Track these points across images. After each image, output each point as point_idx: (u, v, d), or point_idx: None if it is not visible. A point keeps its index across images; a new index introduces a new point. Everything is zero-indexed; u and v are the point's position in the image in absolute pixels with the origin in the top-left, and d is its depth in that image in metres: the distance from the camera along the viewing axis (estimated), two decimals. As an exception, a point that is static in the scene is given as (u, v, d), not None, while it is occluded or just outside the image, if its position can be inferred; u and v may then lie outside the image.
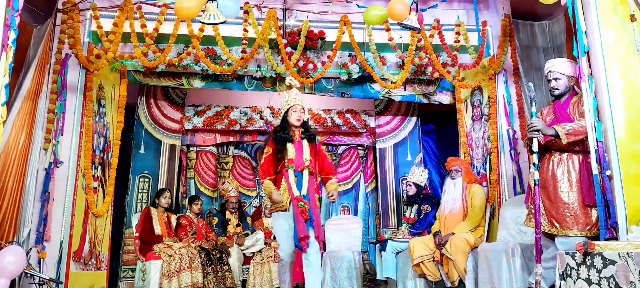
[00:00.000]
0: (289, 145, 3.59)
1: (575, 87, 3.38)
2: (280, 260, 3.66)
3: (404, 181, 6.28)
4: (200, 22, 3.67)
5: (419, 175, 5.36)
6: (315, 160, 3.68)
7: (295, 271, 5.62)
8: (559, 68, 3.34)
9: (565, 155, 3.26)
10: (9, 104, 3.80)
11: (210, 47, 5.04)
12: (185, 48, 5.03)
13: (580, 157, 3.20)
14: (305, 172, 3.60)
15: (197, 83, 5.44)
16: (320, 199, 3.72)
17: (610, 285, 1.85)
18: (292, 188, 3.51)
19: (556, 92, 3.36)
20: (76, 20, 4.54)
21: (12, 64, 2.75)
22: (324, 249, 5.22)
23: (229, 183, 6.24)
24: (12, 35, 2.72)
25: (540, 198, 3.24)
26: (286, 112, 3.72)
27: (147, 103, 6.30)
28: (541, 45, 4.91)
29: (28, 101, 4.09)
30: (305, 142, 3.67)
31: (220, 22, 3.57)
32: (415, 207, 5.31)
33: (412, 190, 5.34)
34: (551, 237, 3.24)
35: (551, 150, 3.33)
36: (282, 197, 3.53)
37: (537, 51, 4.92)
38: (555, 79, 3.34)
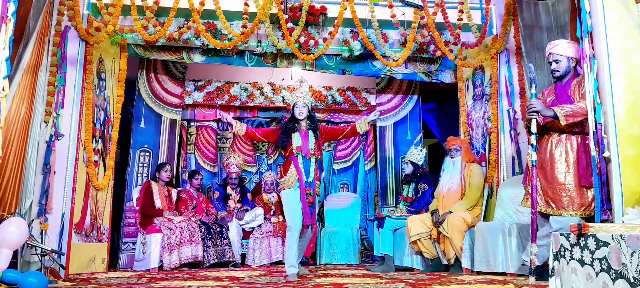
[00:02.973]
0: (295, 135, 4.06)
1: (577, 68, 3.37)
2: (289, 228, 3.99)
3: (403, 160, 6.32)
4: (201, -4, 3.64)
5: (417, 155, 5.39)
6: (320, 150, 4.14)
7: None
8: (559, 50, 3.32)
9: (563, 136, 3.27)
10: (10, 77, 3.79)
11: (210, 21, 5.00)
12: (186, 22, 5.00)
13: (579, 139, 3.22)
14: (312, 160, 4.05)
15: (198, 57, 5.42)
16: (321, 184, 4.22)
17: (603, 266, 1.88)
18: (302, 174, 3.98)
19: (557, 74, 3.36)
20: (75, -8, 4.49)
21: (12, 37, 2.74)
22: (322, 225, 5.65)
23: (234, 158, 6.25)
24: (12, 7, 2.70)
25: (538, 179, 3.27)
26: (293, 107, 4.15)
27: (147, 77, 6.28)
28: (545, 25, 4.85)
29: (28, 74, 4.07)
30: (311, 133, 4.11)
31: (221, -3, 3.54)
32: (413, 185, 5.35)
33: (408, 169, 5.38)
34: (546, 216, 3.28)
35: (550, 130, 3.33)
36: (289, 180, 4.01)
37: (541, 31, 4.87)
38: (556, 61, 3.34)
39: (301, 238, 4.08)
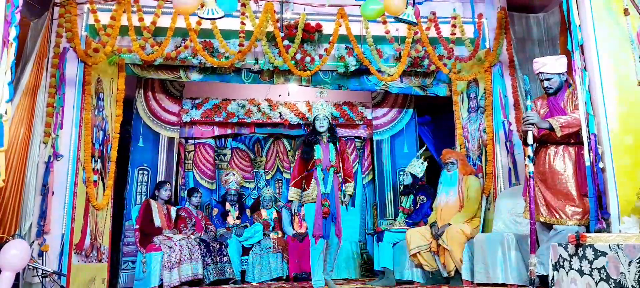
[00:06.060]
0: (317, 147, 4.32)
1: (568, 80, 3.43)
2: (312, 240, 4.21)
3: (401, 172, 6.35)
4: (199, 17, 3.69)
5: (418, 167, 5.46)
6: (339, 161, 4.40)
7: (293, 262, 5.71)
8: (549, 69, 3.35)
9: (561, 147, 3.31)
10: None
11: (207, 40, 5.06)
12: (183, 41, 5.05)
13: (576, 149, 3.27)
14: (331, 171, 4.30)
15: (195, 76, 5.46)
16: (343, 195, 4.46)
17: (601, 275, 1.91)
18: (320, 186, 4.23)
19: (550, 91, 3.40)
20: (73, 14, 4.54)
21: (14, 61, 2.77)
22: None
23: (233, 174, 6.26)
24: (13, 32, 2.73)
25: (540, 189, 3.30)
26: (314, 120, 4.44)
27: (145, 96, 6.31)
28: (536, 38, 4.95)
29: (27, 95, 4.10)
30: (331, 145, 4.38)
31: (219, 17, 3.59)
32: (411, 197, 5.39)
33: (408, 180, 5.43)
34: (549, 226, 3.30)
35: (547, 143, 3.37)
36: (312, 193, 4.27)
37: (532, 43, 4.97)
38: (547, 80, 3.37)
39: (326, 251, 4.27)
